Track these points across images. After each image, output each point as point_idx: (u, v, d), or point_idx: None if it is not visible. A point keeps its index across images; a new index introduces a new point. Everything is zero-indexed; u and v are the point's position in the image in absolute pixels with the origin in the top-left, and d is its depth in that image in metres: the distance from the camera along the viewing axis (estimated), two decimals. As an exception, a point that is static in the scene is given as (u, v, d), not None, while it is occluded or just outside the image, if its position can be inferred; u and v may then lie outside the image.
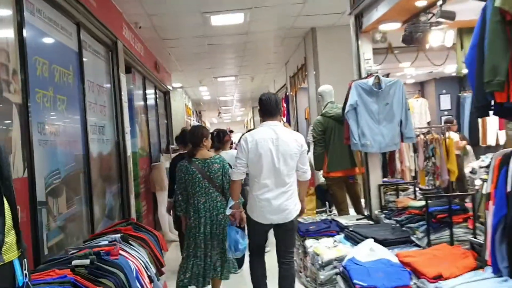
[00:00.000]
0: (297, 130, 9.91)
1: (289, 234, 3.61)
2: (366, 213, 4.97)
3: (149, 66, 7.67)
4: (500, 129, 9.44)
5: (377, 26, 4.66)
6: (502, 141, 9.77)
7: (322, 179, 6.31)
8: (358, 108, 4.48)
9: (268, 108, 3.55)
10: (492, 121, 10.06)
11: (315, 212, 6.51)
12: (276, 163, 3.43)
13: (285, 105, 11.62)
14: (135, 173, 6.35)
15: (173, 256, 5.78)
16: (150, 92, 8.43)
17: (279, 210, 3.47)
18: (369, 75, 4.68)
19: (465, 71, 5.46)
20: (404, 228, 3.96)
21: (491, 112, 2.46)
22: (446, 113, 12.22)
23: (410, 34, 4.09)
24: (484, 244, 2.59)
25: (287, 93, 10.60)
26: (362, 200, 5.22)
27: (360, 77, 4.77)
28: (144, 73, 7.52)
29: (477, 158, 8.80)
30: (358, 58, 4.86)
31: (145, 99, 7.73)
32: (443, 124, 7.95)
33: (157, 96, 9.14)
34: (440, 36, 4.08)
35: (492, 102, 2.38)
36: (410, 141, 4.71)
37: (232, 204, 3.67)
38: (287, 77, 10.50)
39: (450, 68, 10.19)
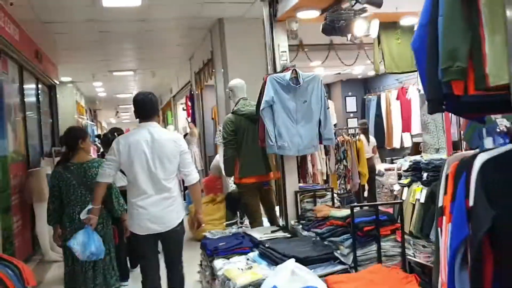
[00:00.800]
0: (203, 131, 9.31)
1: (175, 244, 3.47)
2: (281, 223, 4.52)
3: (27, 54, 6.55)
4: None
5: (293, 15, 4.21)
6: (406, 144, 10.04)
7: (232, 186, 5.81)
8: (274, 105, 3.99)
9: (142, 108, 3.38)
10: (396, 124, 10.30)
11: (224, 223, 5.97)
12: (152, 167, 3.25)
13: (190, 104, 10.95)
14: (4, 182, 5.30)
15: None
16: (29, 85, 7.27)
17: (158, 218, 3.28)
18: (285, 69, 4.22)
19: (382, 70, 5.26)
20: (326, 242, 3.53)
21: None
22: (352, 115, 12.40)
23: (332, 23, 3.69)
24: (435, 268, 2.17)
25: (192, 91, 9.93)
26: (277, 208, 4.76)
27: (275, 72, 4.29)
28: (20, 61, 6.40)
29: (382, 160, 8.94)
30: (272, 50, 4.37)
31: (22, 93, 6.60)
32: (358, 127, 7.84)
33: (39, 90, 7.96)
34: (364, 26, 3.72)
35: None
36: (329, 142, 4.32)
37: (90, 208, 3.43)
38: (191, 74, 9.84)
39: (358, 70, 10.28)
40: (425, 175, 3.94)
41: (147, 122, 3.37)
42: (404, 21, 4.58)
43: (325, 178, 6.97)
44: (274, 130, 4.00)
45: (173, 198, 3.35)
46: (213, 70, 7.40)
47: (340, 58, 7.07)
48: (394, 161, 7.42)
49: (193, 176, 3.43)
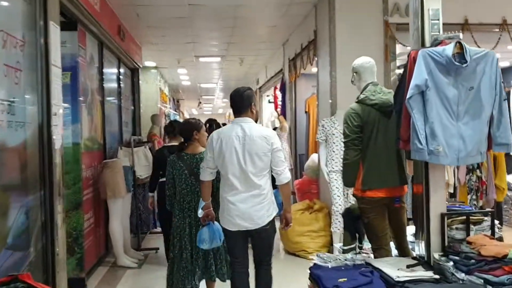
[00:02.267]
0: (294, 126, 8.28)
1: (264, 243, 3.43)
2: (416, 253, 3.37)
3: (108, 29, 5.88)
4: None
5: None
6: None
7: (352, 200, 4.75)
8: (427, 92, 2.83)
9: (234, 103, 3.42)
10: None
11: (321, 234, 4.99)
12: (243, 163, 3.27)
13: (278, 95, 9.97)
14: (75, 174, 4.61)
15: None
16: (110, 66, 6.65)
17: (248, 214, 3.28)
18: (438, 43, 3.03)
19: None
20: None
21: None
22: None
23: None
24: None
25: (284, 81, 8.91)
26: (409, 229, 3.62)
27: (423, 46, 3.11)
28: (101, 36, 5.74)
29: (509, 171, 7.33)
30: (421, 17, 3.18)
31: (101, 73, 5.95)
32: None
33: (120, 72, 7.35)
34: None
35: None
36: (504, 150, 3.04)
37: (203, 205, 3.53)
38: (284, 61, 8.82)
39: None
40: None
41: (240, 117, 3.37)
42: None
43: (451, 190, 5.64)
44: (425, 127, 2.84)
45: (263, 196, 3.30)
46: (315, 54, 6.31)
47: (476, 41, 5.68)
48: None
49: (285, 176, 3.33)
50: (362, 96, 3.43)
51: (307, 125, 8.34)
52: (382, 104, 3.34)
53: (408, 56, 3.06)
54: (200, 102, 21.84)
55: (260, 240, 3.40)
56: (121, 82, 7.36)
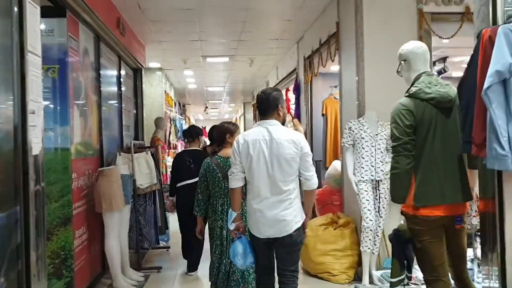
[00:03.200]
0: (311, 130, 7.61)
1: (288, 251, 3.21)
2: (483, 286, 2.69)
3: (106, 20, 5.26)
4: None
5: None
6: None
7: (383, 214, 4.13)
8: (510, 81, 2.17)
9: (260, 105, 3.29)
10: None
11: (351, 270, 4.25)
12: (270, 168, 3.12)
13: (291, 96, 9.32)
14: (63, 184, 3.97)
15: None
16: (109, 62, 6.02)
17: (274, 221, 3.12)
18: (513, 20, 2.37)
19: None
20: None
21: None
22: None
23: None
24: None
25: (298, 81, 8.26)
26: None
27: (494, 25, 2.45)
28: (96, 28, 5.11)
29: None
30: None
31: (97, 70, 5.32)
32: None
33: (121, 71, 6.73)
34: None
35: None
36: None
37: (234, 217, 3.32)
38: (299, 60, 8.17)
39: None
40: None
41: (266, 119, 3.22)
42: None
43: None
44: (508, 127, 2.17)
45: (290, 201, 3.15)
46: (338, 49, 5.65)
47: None
48: None
49: (314, 181, 3.20)
50: (414, 88, 2.77)
51: (324, 128, 7.66)
52: (441, 98, 2.68)
53: (477, 37, 2.41)
54: (206, 107, 21.24)
55: (284, 248, 3.20)
56: (121, 82, 6.74)
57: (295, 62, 8.49)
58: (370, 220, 4.43)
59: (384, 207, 4.56)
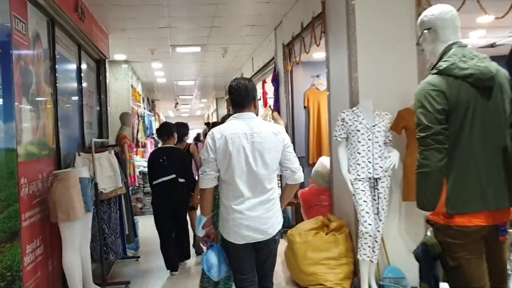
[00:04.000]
0: (292, 124, 7.15)
1: (271, 255, 3.09)
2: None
3: (60, 3, 4.62)
4: None
5: None
6: None
7: (383, 216, 3.74)
8: None
9: (236, 97, 3.01)
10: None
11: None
12: (253, 165, 2.90)
13: (269, 89, 8.83)
14: (8, 192, 3.36)
15: None
16: (66, 51, 5.37)
17: (258, 224, 2.92)
18: None
19: None
20: None
21: None
22: None
23: None
24: None
25: (277, 71, 7.75)
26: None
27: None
28: (49, 10, 4.48)
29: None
30: None
31: (52, 59, 4.68)
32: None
33: (81, 62, 6.08)
34: None
35: None
36: None
37: (203, 222, 3.07)
38: (277, 48, 7.68)
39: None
40: None
41: (243, 112, 2.99)
42: None
43: None
44: None
45: (273, 201, 2.99)
46: (324, 32, 5.16)
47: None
48: None
49: (300, 175, 3.03)
50: (445, 63, 2.25)
51: (306, 122, 7.22)
52: (481, 74, 2.18)
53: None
54: (177, 103, 20.54)
55: (267, 253, 3.07)
56: (82, 75, 6.09)
57: (272, 50, 7.98)
58: (368, 224, 3.96)
59: (383, 209, 4.10)
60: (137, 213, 8.77)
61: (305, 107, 7.23)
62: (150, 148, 12.68)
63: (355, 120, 4.11)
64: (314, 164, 5.95)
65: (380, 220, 4.08)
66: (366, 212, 3.98)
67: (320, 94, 7.11)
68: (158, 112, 21.61)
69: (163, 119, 23.39)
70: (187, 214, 5.85)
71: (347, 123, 4.14)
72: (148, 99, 16.24)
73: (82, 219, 4.20)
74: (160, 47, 8.76)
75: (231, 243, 2.99)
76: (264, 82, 9.50)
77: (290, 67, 6.99)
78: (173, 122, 6.13)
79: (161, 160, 5.27)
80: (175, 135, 5.65)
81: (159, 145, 6.00)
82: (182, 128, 6.19)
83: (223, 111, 17.84)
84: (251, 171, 2.90)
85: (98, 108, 7.21)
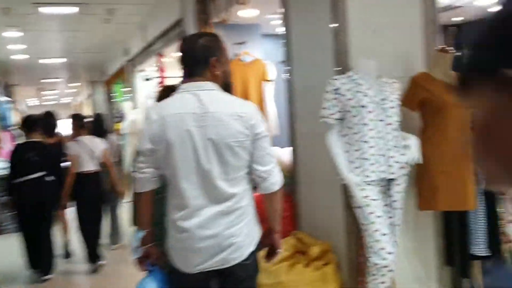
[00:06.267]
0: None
1: None
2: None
3: None
4: None
5: None
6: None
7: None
8: None
9: (185, 58, 2.21)
10: None
11: None
12: (204, 160, 2.09)
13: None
14: None
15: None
16: None
17: (215, 246, 2.11)
18: None
19: None
20: None
21: None
22: None
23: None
24: None
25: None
26: None
27: None
28: None
29: None
30: None
31: None
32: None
33: None
34: None
35: None
36: None
37: (139, 237, 2.33)
38: (185, 6, 6.08)
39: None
40: None
41: (194, 81, 2.13)
42: None
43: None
44: None
45: (240, 212, 2.15)
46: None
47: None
48: None
49: (275, 180, 2.18)
50: None
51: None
52: None
53: None
54: (41, 88, 17.78)
55: (235, 284, 2.20)
56: None
57: (175, 13, 6.35)
58: (388, 253, 2.60)
59: (398, 224, 2.79)
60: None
61: (227, 83, 5.75)
62: (6, 144, 10.32)
63: (356, 91, 2.71)
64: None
65: (395, 241, 2.77)
66: (383, 234, 2.62)
67: (246, 67, 5.69)
68: (17, 100, 18.57)
69: (24, 109, 20.31)
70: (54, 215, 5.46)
71: (343, 95, 2.71)
72: (3, 83, 13.53)
73: None
74: (17, 5, 6.64)
75: (177, 271, 2.21)
76: (160, 56, 7.94)
77: (207, 31, 5.45)
78: (37, 112, 5.64)
79: (27, 156, 4.99)
80: (39, 128, 5.31)
81: (23, 140, 5.49)
82: (49, 119, 5.94)
83: (100, 97, 15.70)
84: (200, 168, 2.11)
85: None
